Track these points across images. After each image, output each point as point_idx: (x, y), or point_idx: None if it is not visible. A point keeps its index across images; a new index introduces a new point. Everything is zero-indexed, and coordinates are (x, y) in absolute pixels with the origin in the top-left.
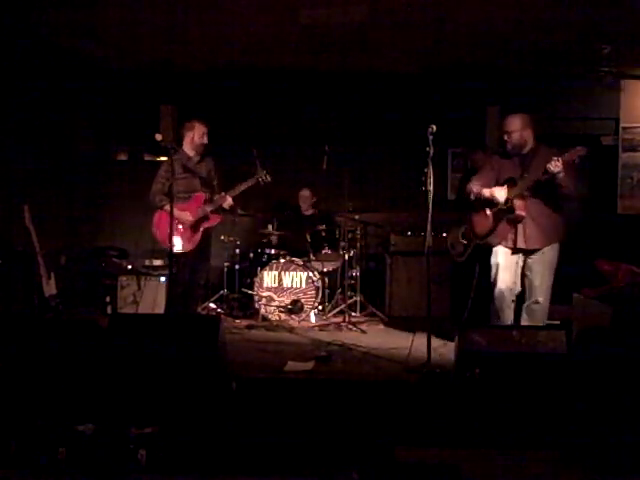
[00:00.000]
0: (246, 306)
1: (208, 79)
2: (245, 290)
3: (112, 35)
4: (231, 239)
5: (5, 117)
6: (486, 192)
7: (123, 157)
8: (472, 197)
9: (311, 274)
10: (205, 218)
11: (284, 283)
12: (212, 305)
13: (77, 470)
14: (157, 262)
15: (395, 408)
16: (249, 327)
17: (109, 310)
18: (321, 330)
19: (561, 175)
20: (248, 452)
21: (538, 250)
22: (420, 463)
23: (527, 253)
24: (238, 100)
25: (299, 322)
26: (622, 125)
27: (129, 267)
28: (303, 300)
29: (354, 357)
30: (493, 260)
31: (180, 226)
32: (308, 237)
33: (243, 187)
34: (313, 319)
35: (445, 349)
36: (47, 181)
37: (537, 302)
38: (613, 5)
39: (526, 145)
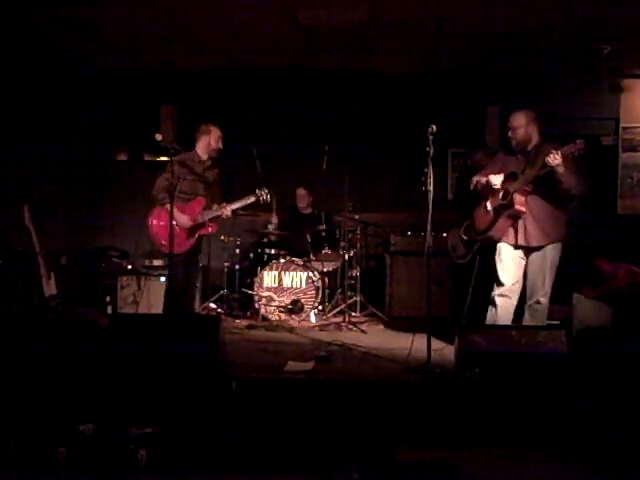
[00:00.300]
0: (246, 306)
1: (208, 79)
2: (245, 290)
3: (112, 35)
4: (231, 239)
5: (5, 117)
6: (482, 178)
7: (123, 157)
8: (471, 187)
9: (311, 274)
10: (202, 225)
11: (284, 283)
12: (212, 305)
13: (77, 470)
14: (157, 262)
15: (395, 408)
16: (249, 327)
17: (109, 310)
18: (321, 330)
19: (561, 170)
20: (248, 452)
21: (540, 248)
22: (420, 463)
23: (528, 251)
24: (238, 100)
25: (299, 322)
26: (622, 125)
27: (129, 267)
28: (303, 300)
29: (354, 357)
30: (497, 257)
31: (177, 228)
32: (308, 237)
33: (243, 203)
34: (313, 319)
35: (445, 349)
36: (47, 181)
37: (539, 302)
38: (613, 5)
39: (530, 141)
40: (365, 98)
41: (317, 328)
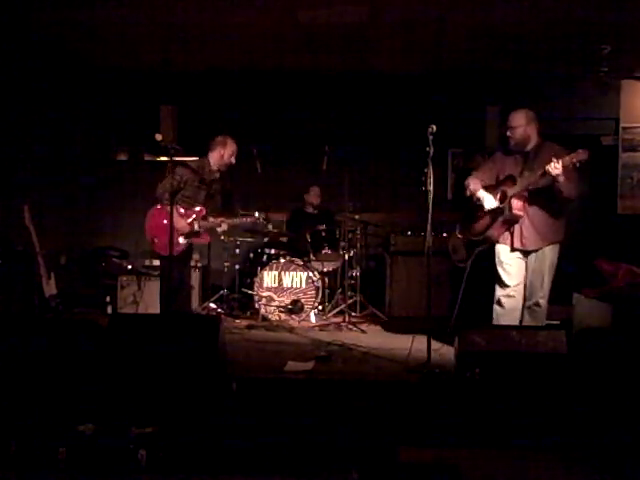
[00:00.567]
0: (246, 306)
1: (208, 79)
2: (245, 290)
3: (112, 35)
4: (231, 239)
5: (5, 117)
6: (479, 194)
7: (123, 157)
8: (467, 193)
9: (311, 274)
10: (197, 234)
11: (284, 283)
12: (212, 305)
13: (77, 470)
14: (157, 262)
15: (395, 408)
16: (249, 327)
17: (109, 310)
18: (321, 330)
19: (561, 179)
20: (248, 452)
21: (538, 250)
22: (420, 463)
23: (527, 252)
24: (238, 100)
25: (299, 322)
26: (622, 125)
27: (129, 267)
28: (303, 300)
29: (354, 357)
30: (497, 260)
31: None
32: (308, 237)
33: (240, 222)
34: (313, 319)
35: (445, 349)
36: (47, 181)
37: (538, 304)
38: (613, 5)
39: (529, 141)
40: (365, 98)
41: (317, 328)
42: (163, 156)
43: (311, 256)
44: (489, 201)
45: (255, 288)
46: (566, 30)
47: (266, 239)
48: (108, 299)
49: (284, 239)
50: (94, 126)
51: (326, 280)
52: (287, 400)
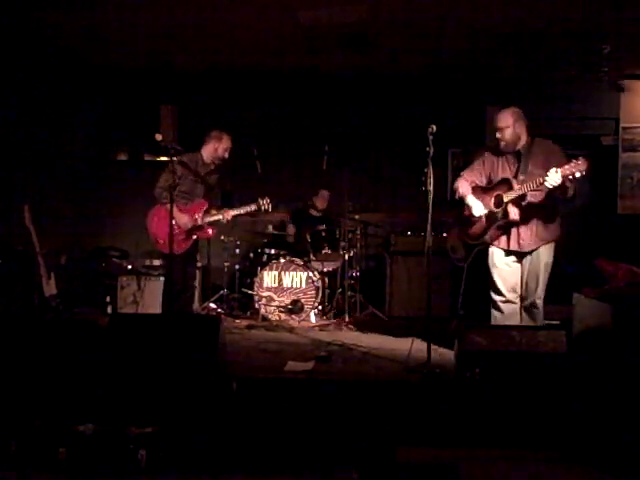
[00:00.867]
0: (246, 306)
1: (208, 79)
2: (245, 290)
3: (112, 35)
4: (231, 239)
5: (5, 117)
6: (468, 201)
7: (123, 157)
8: (457, 196)
9: (311, 274)
10: (201, 228)
11: (284, 283)
12: (212, 305)
13: (77, 470)
14: (157, 262)
15: (395, 408)
16: (249, 327)
17: (109, 310)
18: (321, 330)
19: (559, 190)
20: (248, 452)
21: (533, 251)
22: (420, 463)
23: (521, 256)
24: (238, 100)
25: (299, 322)
26: (622, 125)
27: (129, 267)
28: (303, 300)
29: (354, 357)
30: (490, 263)
31: (176, 228)
32: (308, 237)
33: (244, 210)
34: (313, 319)
35: (445, 349)
36: (47, 181)
37: (535, 304)
38: (613, 5)
39: (519, 140)
40: (365, 98)
41: (317, 328)
42: (163, 156)
43: (311, 256)
44: (478, 208)
45: (255, 288)
46: (566, 30)
47: (270, 227)
48: (108, 299)
49: (290, 237)
50: (94, 126)
51: (326, 280)
52: (287, 400)
